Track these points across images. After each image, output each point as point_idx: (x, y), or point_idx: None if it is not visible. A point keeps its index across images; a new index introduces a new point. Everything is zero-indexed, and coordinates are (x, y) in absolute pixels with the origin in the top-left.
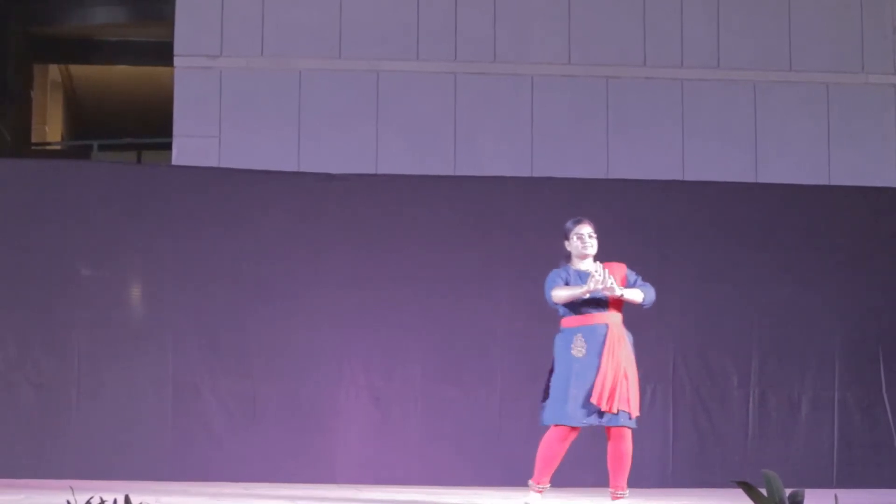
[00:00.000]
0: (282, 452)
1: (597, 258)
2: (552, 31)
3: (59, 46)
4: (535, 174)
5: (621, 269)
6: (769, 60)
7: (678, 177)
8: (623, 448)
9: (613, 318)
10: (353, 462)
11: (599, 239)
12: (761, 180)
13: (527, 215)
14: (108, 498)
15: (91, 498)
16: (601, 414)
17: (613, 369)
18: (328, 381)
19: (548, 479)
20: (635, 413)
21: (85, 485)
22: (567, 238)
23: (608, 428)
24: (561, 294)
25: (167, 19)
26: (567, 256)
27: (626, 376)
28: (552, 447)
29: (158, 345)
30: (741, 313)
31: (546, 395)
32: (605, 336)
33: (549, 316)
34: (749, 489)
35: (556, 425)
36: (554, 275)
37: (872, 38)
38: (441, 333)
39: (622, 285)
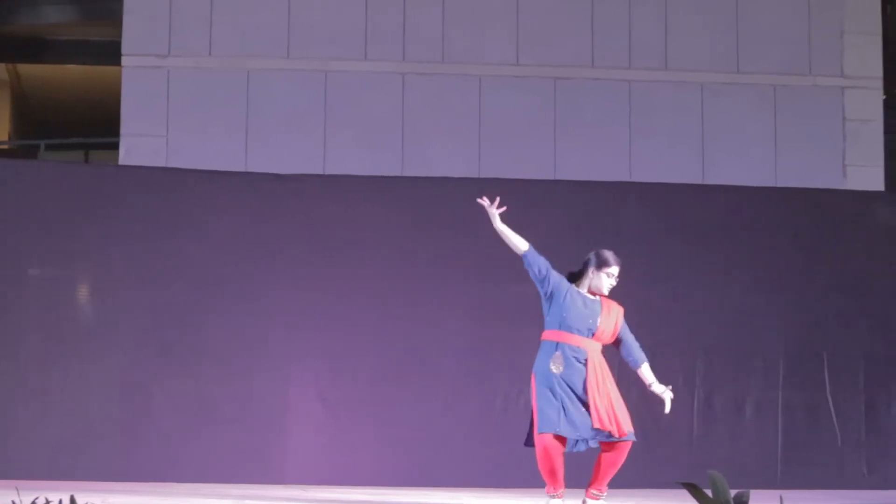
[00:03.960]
0: (230, 453)
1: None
2: (501, 32)
3: (6, 45)
4: (483, 175)
5: (620, 312)
6: (717, 62)
7: (625, 178)
8: (619, 458)
9: (594, 346)
10: (302, 462)
11: (547, 240)
12: (708, 181)
13: (475, 216)
14: (54, 498)
15: (36, 498)
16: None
17: (602, 394)
18: (277, 381)
19: (561, 484)
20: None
21: (31, 485)
22: (595, 265)
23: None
24: (517, 244)
25: (116, 19)
26: (576, 272)
27: (613, 399)
28: (548, 457)
29: (107, 345)
30: (687, 314)
31: (533, 415)
32: (587, 362)
33: (497, 316)
34: (694, 490)
35: (550, 435)
36: (558, 276)
37: (820, 40)
38: (389, 334)
39: (616, 329)
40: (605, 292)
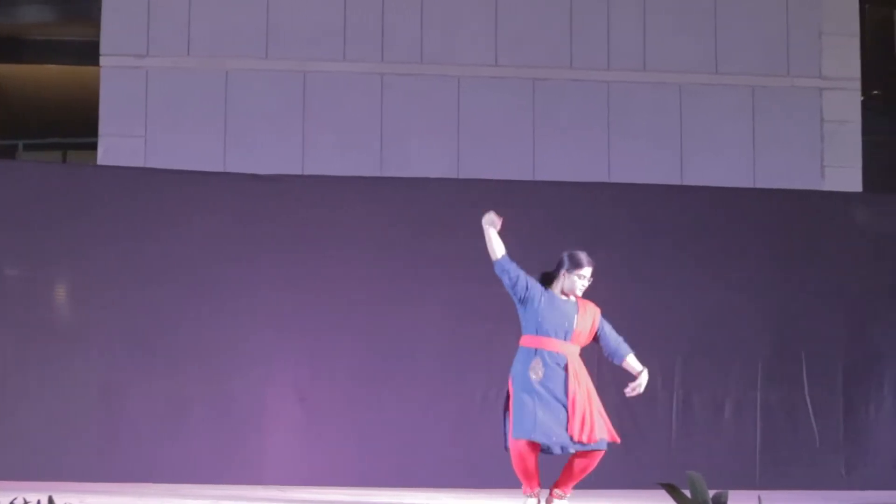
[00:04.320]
0: (208, 453)
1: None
2: (479, 33)
3: None
4: (462, 175)
5: (596, 312)
6: (695, 63)
7: (604, 178)
8: (591, 465)
9: (572, 350)
10: (280, 463)
11: (526, 241)
12: (687, 182)
13: (453, 216)
14: (32, 499)
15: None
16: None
17: (581, 400)
18: (255, 381)
19: (537, 484)
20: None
21: (9, 486)
22: (567, 266)
23: None
24: (495, 249)
25: (94, 19)
26: (547, 275)
27: (592, 404)
28: (525, 461)
29: (85, 345)
30: (666, 314)
31: (507, 415)
32: (566, 367)
33: (476, 316)
34: (673, 490)
35: (523, 440)
36: (527, 277)
37: (799, 41)
38: (367, 334)
39: (594, 329)
40: (578, 293)
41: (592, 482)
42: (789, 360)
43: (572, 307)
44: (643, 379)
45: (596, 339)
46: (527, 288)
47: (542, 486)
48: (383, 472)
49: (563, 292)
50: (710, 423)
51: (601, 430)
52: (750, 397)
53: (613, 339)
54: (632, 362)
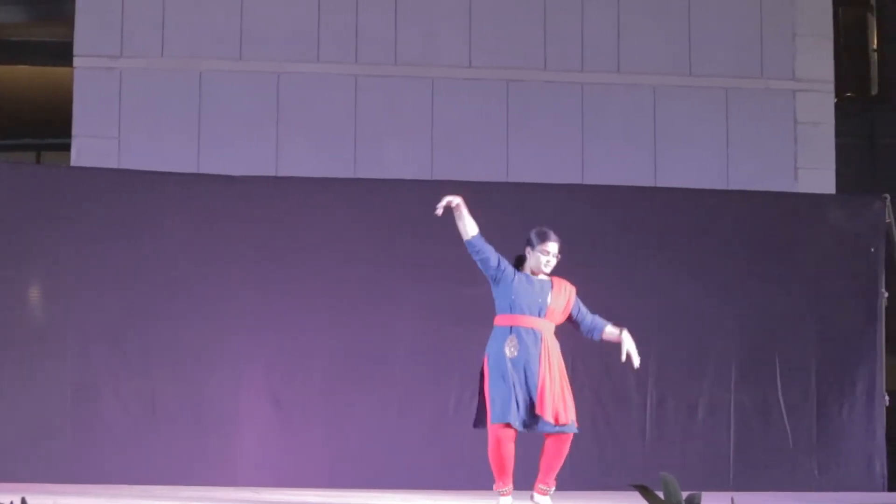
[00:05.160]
0: (182, 454)
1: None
2: (453, 34)
3: None
4: (436, 177)
5: (572, 291)
6: (669, 65)
7: (578, 180)
8: (563, 449)
9: (547, 326)
10: (254, 464)
11: (500, 242)
12: (660, 184)
13: (427, 217)
14: (5, 500)
15: None
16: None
17: (553, 380)
18: (229, 383)
19: (509, 480)
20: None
21: None
22: (531, 246)
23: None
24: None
25: (68, 19)
26: (519, 259)
27: (563, 387)
28: (501, 448)
29: (58, 346)
30: (639, 316)
31: (482, 399)
32: (540, 344)
33: (450, 318)
34: (646, 492)
35: (502, 425)
36: (500, 256)
37: (772, 43)
38: (342, 336)
39: (568, 307)
40: (547, 271)
41: (566, 483)
42: (763, 361)
43: (546, 284)
44: (628, 342)
45: (570, 319)
46: (499, 267)
47: (515, 486)
48: (357, 474)
49: (532, 271)
50: (683, 425)
51: (571, 411)
52: (723, 399)
53: (589, 314)
54: (610, 329)
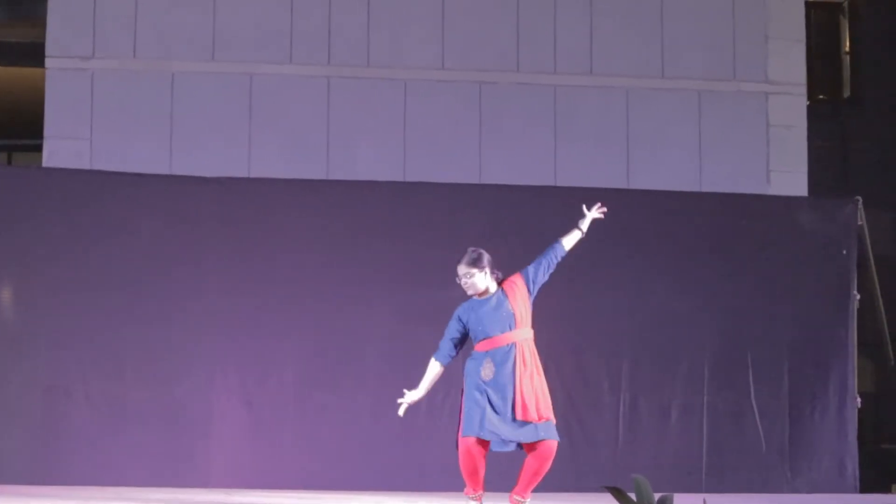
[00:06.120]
0: (154, 456)
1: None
2: (426, 36)
3: None
4: (409, 178)
5: (519, 279)
6: (642, 67)
7: (550, 182)
8: (544, 463)
9: (522, 334)
10: (226, 466)
11: (472, 244)
12: (633, 186)
13: (400, 219)
14: None
15: None
16: (519, 445)
17: (531, 379)
18: (201, 385)
19: (480, 486)
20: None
21: None
22: None
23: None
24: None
25: (39, 20)
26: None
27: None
28: (470, 459)
29: (30, 347)
30: (613, 319)
31: (460, 415)
32: (514, 352)
33: (423, 320)
34: (619, 494)
35: (472, 439)
36: (454, 325)
37: (745, 45)
38: (314, 338)
39: (529, 293)
40: (469, 293)
41: (538, 485)
42: (735, 364)
43: (499, 298)
44: (588, 219)
45: (546, 277)
46: (461, 330)
47: (485, 489)
48: (330, 476)
49: (477, 295)
50: (656, 427)
51: (548, 410)
52: (696, 401)
53: (547, 256)
54: (568, 239)
